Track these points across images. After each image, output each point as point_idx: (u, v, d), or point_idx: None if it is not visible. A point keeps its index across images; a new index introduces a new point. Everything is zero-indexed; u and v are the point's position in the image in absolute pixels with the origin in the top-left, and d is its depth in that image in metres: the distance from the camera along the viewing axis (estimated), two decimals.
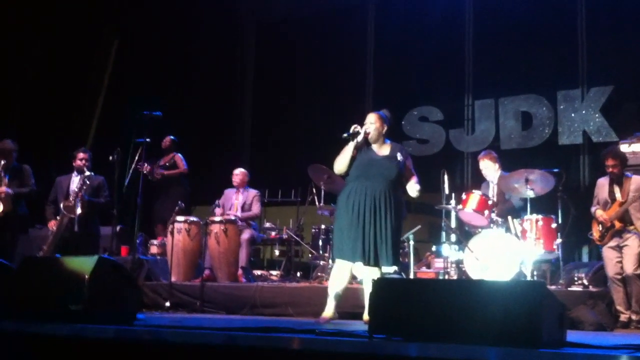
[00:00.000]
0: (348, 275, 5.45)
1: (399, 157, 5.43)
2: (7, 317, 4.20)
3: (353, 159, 5.51)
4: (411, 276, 7.06)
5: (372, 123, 5.52)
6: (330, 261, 7.39)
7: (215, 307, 7.02)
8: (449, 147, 10.15)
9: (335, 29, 11.10)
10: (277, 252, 8.94)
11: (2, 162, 7.30)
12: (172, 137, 9.20)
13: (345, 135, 5.50)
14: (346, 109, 11.05)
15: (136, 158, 7.51)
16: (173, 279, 7.52)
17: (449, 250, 6.90)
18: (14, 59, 9.86)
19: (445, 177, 7.06)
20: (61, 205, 7.24)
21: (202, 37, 11.21)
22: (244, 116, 11.93)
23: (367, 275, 5.31)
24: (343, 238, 5.36)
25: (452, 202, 7.00)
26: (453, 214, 7.03)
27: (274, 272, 8.31)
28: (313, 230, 8.18)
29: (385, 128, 5.56)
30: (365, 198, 5.34)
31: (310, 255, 8.13)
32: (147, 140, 7.09)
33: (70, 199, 7.24)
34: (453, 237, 6.90)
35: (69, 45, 10.40)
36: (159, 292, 7.41)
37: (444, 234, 7.02)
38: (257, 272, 8.28)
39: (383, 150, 5.54)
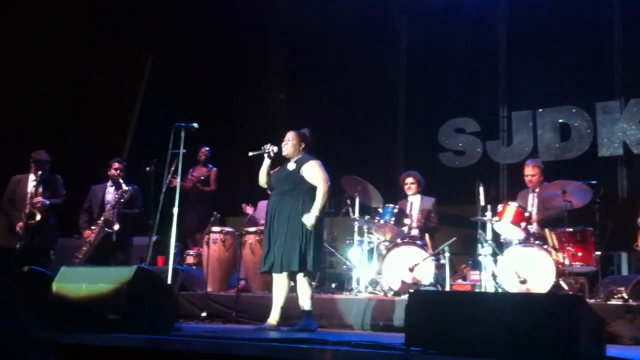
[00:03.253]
0: (285, 284, 5.78)
1: (291, 167, 5.79)
2: (45, 326, 4.25)
3: (269, 174, 5.96)
4: (447, 289, 7.00)
5: (288, 140, 5.94)
6: (365, 273, 7.40)
7: (250, 318, 7.02)
8: (486, 158, 10.08)
9: (366, 39, 11.11)
10: None
11: (39, 173, 7.46)
12: (207, 148, 9.28)
13: (250, 154, 5.99)
14: (378, 121, 11.07)
15: (172, 169, 7.59)
16: (209, 289, 7.57)
17: (485, 263, 6.83)
18: (52, 70, 10.06)
19: (481, 188, 7.00)
20: (101, 220, 7.38)
21: (234, 47, 11.31)
22: (277, 127, 11.99)
23: (297, 284, 5.74)
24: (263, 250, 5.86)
25: (488, 214, 6.93)
26: (489, 226, 6.95)
27: None
28: (347, 241, 8.16)
29: (303, 145, 5.93)
30: (274, 211, 5.74)
31: (344, 267, 8.11)
32: (183, 151, 7.17)
33: (107, 212, 7.38)
34: (489, 250, 6.83)
35: (106, 58, 10.58)
36: (194, 302, 7.45)
37: (479, 246, 6.95)
38: (291, 283, 8.28)
39: (294, 164, 5.84)
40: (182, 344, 3.94)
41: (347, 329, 6.40)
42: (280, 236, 5.64)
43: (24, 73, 9.63)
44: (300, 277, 5.70)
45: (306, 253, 5.60)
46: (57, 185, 7.69)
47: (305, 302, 5.71)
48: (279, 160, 6.05)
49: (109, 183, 7.72)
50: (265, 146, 5.96)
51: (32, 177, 7.52)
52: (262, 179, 6.02)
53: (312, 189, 5.72)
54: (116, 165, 7.67)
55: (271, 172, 6.02)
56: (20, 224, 7.30)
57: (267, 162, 5.98)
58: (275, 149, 5.94)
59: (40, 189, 7.45)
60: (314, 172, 5.75)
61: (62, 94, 10.21)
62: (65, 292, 4.58)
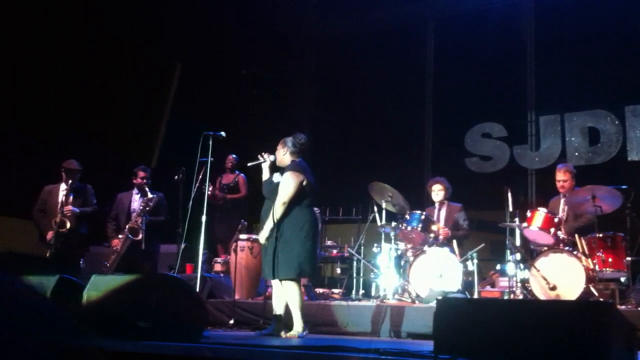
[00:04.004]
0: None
1: (275, 178, 5.82)
2: (76, 333, 4.30)
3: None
4: (475, 295, 6.96)
5: (277, 149, 5.95)
6: (392, 280, 7.39)
7: None
8: (513, 163, 10.02)
9: (394, 45, 11.11)
10: (338, 270, 8.94)
11: (69, 182, 7.55)
12: (234, 156, 9.34)
13: (249, 164, 6.09)
14: (406, 127, 11.04)
15: (200, 177, 7.65)
16: (236, 296, 7.59)
17: (513, 269, 6.78)
18: (80, 80, 10.20)
19: (509, 194, 6.95)
20: (126, 228, 7.45)
21: (262, 55, 11.37)
22: (303, 134, 12.01)
23: (282, 290, 5.78)
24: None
25: (517, 219, 6.88)
26: (517, 231, 6.90)
27: (335, 290, 8.30)
28: (374, 248, 8.15)
29: (286, 151, 5.91)
30: (266, 220, 5.72)
31: (371, 274, 8.09)
32: (211, 159, 7.23)
33: (133, 220, 7.45)
34: (518, 256, 6.78)
35: (134, 68, 10.71)
36: (222, 309, 7.48)
37: (508, 252, 6.90)
38: (319, 290, 8.29)
39: (280, 176, 5.87)
40: (211, 351, 3.95)
41: (374, 337, 6.39)
42: (279, 245, 5.67)
43: (54, 83, 9.78)
44: (289, 283, 5.73)
45: (303, 260, 5.65)
46: (88, 195, 7.78)
47: (295, 307, 5.79)
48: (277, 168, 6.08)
49: (135, 191, 7.80)
50: (262, 155, 6.00)
51: (63, 186, 7.61)
52: (264, 192, 6.03)
53: (300, 197, 5.74)
54: (141, 173, 7.74)
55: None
56: (51, 232, 7.39)
57: (266, 171, 6.02)
58: (273, 157, 5.98)
59: (71, 198, 7.54)
60: (282, 182, 5.76)
61: (91, 104, 10.34)
62: (96, 300, 4.63)
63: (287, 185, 5.70)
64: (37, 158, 8.92)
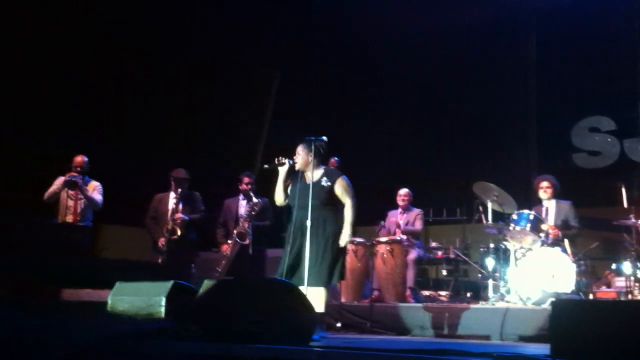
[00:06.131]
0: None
1: (324, 182, 5.71)
2: (187, 338, 4.42)
3: (287, 189, 5.89)
4: (590, 296, 6.70)
5: (298, 153, 5.82)
6: (501, 281, 7.23)
7: (385, 328, 7.01)
8: (624, 158, 9.60)
9: (494, 38, 10.84)
10: (444, 272, 8.83)
11: (179, 190, 7.80)
12: (336, 158, 9.36)
13: (265, 166, 5.98)
14: (509, 123, 10.77)
15: None
16: (342, 299, 7.63)
17: (630, 268, 6.48)
18: (188, 95, 10.57)
19: (623, 190, 6.66)
20: (234, 232, 7.63)
21: (350, 61, 11.41)
22: (403, 135, 11.92)
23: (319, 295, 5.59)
24: (281, 265, 5.72)
25: (632, 216, 6.57)
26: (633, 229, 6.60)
27: (442, 293, 8.20)
28: (481, 248, 7.99)
29: (312, 155, 5.79)
30: (297, 226, 5.69)
31: (479, 275, 7.94)
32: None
33: (240, 224, 7.63)
34: (634, 254, 6.48)
35: (233, 77, 11.00)
36: (329, 312, 7.52)
37: (624, 250, 6.61)
38: (425, 293, 8.21)
39: (314, 177, 5.78)
40: (320, 354, 3.98)
41: (483, 340, 6.25)
42: (319, 251, 5.63)
43: (162, 100, 10.21)
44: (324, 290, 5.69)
45: (327, 268, 5.63)
46: (196, 202, 8.01)
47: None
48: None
49: (241, 197, 7.99)
50: (279, 158, 5.92)
51: (172, 194, 7.86)
52: (279, 197, 5.95)
53: (341, 204, 5.77)
54: (246, 179, 7.94)
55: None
56: (162, 239, 7.65)
57: (282, 175, 5.90)
58: (291, 161, 5.88)
59: (180, 206, 7.78)
60: (345, 190, 5.77)
61: (198, 116, 10.70)
62: (207, 304, 4.74)
63: (352, 191, 5.79)
64: (148, 169, 9.26)
